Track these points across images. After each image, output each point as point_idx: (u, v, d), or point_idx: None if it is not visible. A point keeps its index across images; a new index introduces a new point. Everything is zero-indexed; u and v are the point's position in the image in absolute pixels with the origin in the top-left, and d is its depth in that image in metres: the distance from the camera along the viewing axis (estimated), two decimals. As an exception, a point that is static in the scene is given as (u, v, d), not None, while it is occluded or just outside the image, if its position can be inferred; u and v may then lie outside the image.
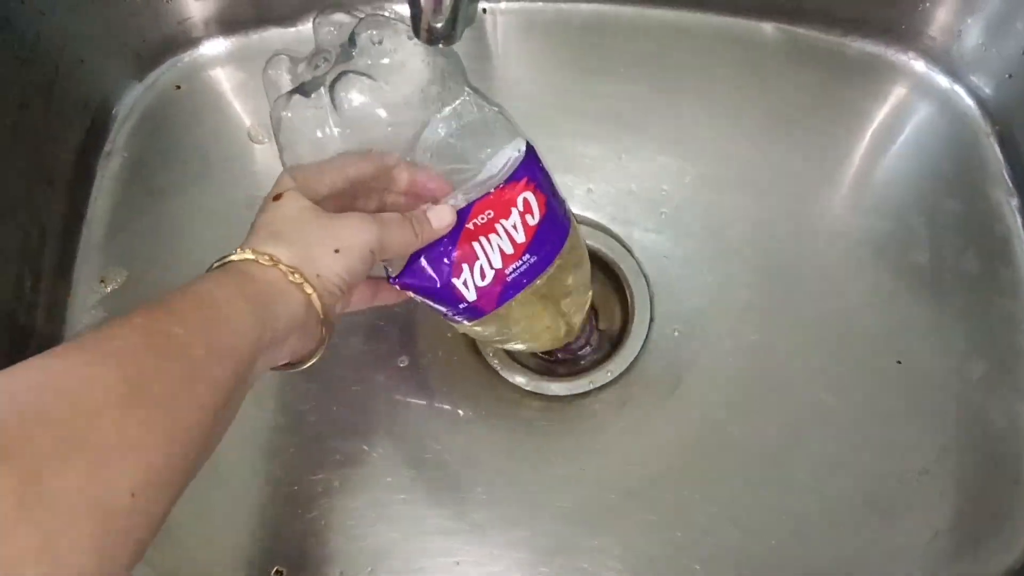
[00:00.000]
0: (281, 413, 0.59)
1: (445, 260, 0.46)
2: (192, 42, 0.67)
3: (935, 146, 0.66)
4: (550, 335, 0.53)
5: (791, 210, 0.64)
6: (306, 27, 0.67)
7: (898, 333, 0.61)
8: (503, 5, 0.68)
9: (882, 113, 0.67)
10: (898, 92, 0.67)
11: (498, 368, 0.61)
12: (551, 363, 0.63)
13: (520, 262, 0.47)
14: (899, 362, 0.60)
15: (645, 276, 0.63)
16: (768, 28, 0.68)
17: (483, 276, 0.47)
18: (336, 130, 0.45)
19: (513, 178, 0.47)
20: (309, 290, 0.41)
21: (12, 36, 0.54)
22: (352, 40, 0.45)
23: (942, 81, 0.67)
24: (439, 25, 0.40)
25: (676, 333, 0.62)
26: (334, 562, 0.56)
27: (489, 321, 0.49)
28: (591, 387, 0.61)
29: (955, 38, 0.65)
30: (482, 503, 0.58)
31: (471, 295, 0.47)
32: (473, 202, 0.46)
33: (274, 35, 0.67)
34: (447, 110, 0.46)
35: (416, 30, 0.41)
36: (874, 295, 0.62)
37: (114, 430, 0.31)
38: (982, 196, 0.64)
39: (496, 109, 0.48)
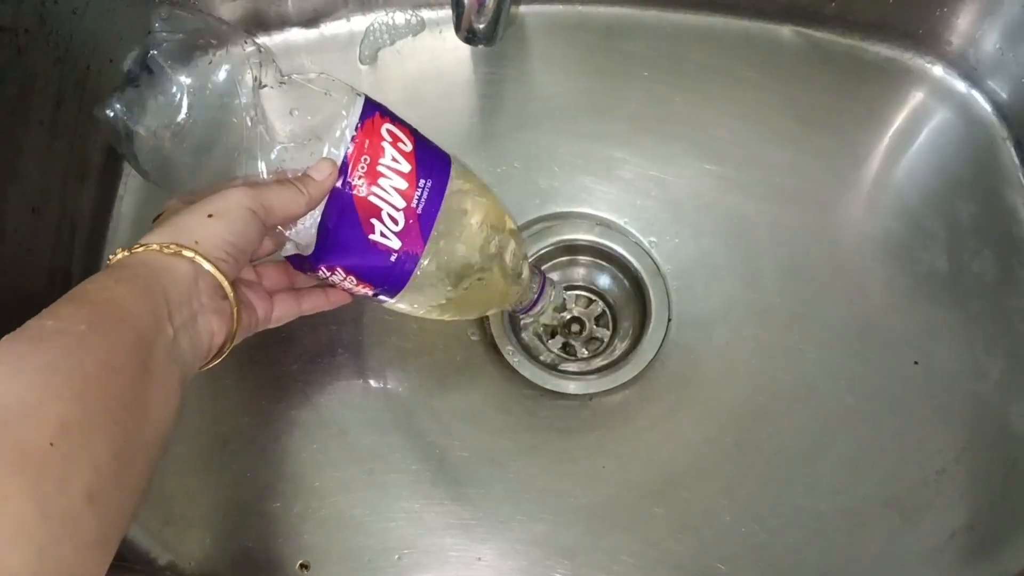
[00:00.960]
0: (304, 409, 0.60)
1: (351, 222, 0.46)
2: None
3: (952, 150, 0.67)
4: (495, 289, 0.53)
5: (811, 212, 0.65)
6: (329, 27, 0.69)
7: (916, 334, 0.61)
8: (524, 8, 0.69)
9: (900, 117, 0.67)
10: (916, 96, 0.68)
11: (517, 367, 0.61)
12: (573, 360, 0.64)
13: (419, 189, 0.47)
14: (916, 363, 0.61)
15: (663, 276, 0.64)
16: (788, 32, 0.68)
17: (395, 221, 0.47)
18: (181, 117, 0.44)
19: (364, 117, 0.47)
20: (189, 254, 0.40)
21: (48, 36, 0.55)
22: (149, 35, 0.44)
23: (959, 86, 0.67)
24: (481, 26, 0.40)
25: (695, 333, 0.62)
26: (358, 556, 0.57)
27: (429, 280, 0.49)
28: (611, 385, 0.61)
29: (972, 43, 0.66)
30: (503, 499, 0.58)
31: (395, 242, 0.47)
32: (345, 156, 0.46)
33: (297, 36, 0.68)
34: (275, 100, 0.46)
35: (458, 30, 0.42)
36: (893, 296, 0.62)
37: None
38: (999, 199, 0.65)
39: (316, 74, 0.48)
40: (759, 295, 0.63)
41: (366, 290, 0.50)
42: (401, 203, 0.47)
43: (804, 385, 0.61)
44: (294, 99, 0.46)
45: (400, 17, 0.68)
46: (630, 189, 0.65)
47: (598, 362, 0.64)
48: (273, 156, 0.45)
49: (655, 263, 0.64)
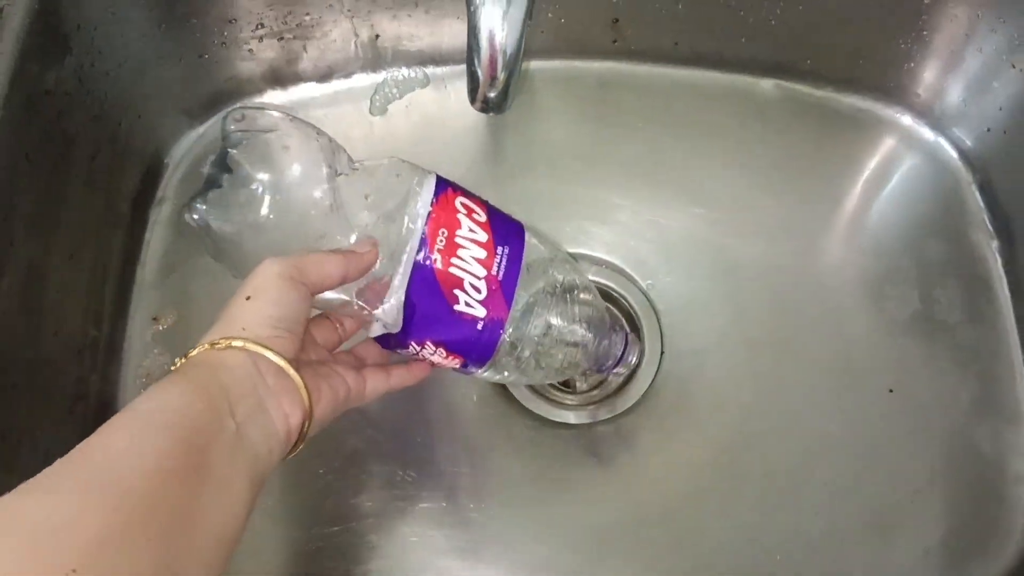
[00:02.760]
0: (321, 441, 0.63)
1: (435, 295, 0.47)
2: (237, 96, 0.72)
3: (922, 193, 0.71)
4: (578, 349, 0.54)
5: (793, 252, 0.69)
6: (342, 83, 0.73)
7: (891, 365, 0.66)
8: (523, 63, 0.74)
9: (873, 163, 0.72)
10: (887, 143, 0.72)
11: (521, 400, 0.65)
12: (573, 393, 0.68)
13: (498, 256, 0.48)
14: (891, 391, 0.65)
15: (656, 312, 0.68)
16: (768, 84, 0.73)
17: (477, 290, 0.47)
18: (264, 212, 0.45)
19: (438, 193, 0.48)
20: (239, 343, 0.40)
21: (85, 97, 0.59)
22: (225, 138, 0.46)
23: (927, 134, 0.72)
24: (493, 95, 0.45)
25: (687, 365, 0.66)
26: (374, 579, 0.60)
27: (517, 347, 0.49)
28: (609, 415, 0.65)
29: (938, 95, 0.71)
30: (509, 523, 0.62)
31: (479, 311, 0.47)
32: (422, 232, 0.46)
33: (313, 90, 0.73)
34: (357, 186, 0.47)
35: (473, 101, 0.46)
36: (869, 330, 0.67)
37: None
38: (965, 239, 0.69)
39: (388, 159, 0.49)
40: (746, 329, 0.67)
41: (455, 362, 0.50)
42: (482, 272, 0.48)
43: (789, 413, 0.65)
44: (367, 184, 0.47)
45: (407, 73, 0.73)
46: (625, 232, 0.69)
47: (596, 394, 0.68)
48: (353, 241, 0.46)
49: (649, 300, 0.68)
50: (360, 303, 0.48)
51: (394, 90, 0.73)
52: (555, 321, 0.52)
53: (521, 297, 0.50)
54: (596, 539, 0.62)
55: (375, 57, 0.72)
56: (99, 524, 0.31)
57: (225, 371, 0.39)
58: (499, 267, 0.48)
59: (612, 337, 0.56)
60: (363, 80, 0.73)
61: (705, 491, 0.63)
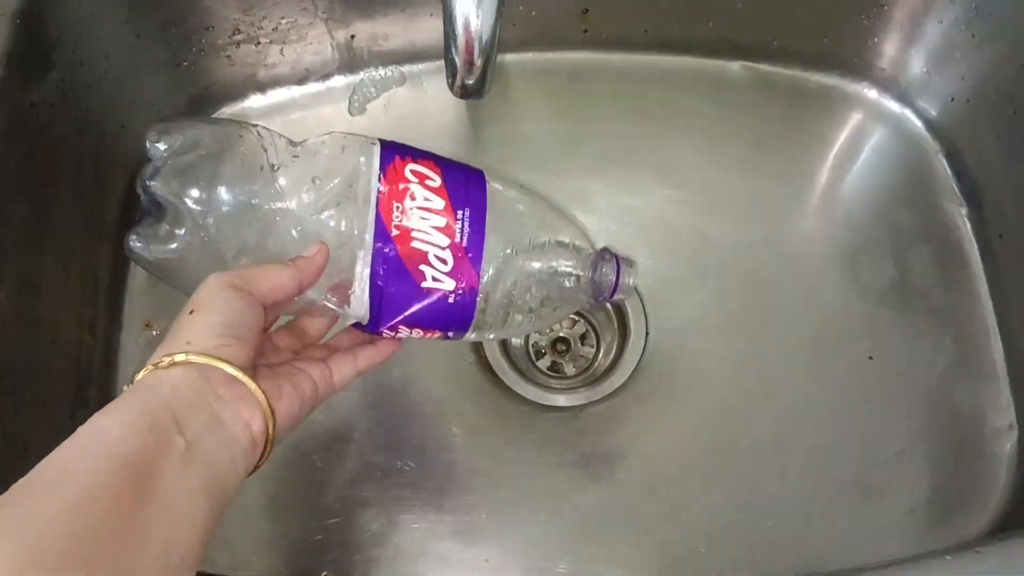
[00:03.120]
0: (320, 434, 0.65)
1: (400, 274, 0.45)
2: (217, 103, 0.73)
3: (891, 165, 0.73)
4: (568, 290, 0.52)
5: (768, 228, 0.71)
6: (320, 84, 0.74)
7: (869, 332, 0.67)
8: (497, 57, 0.75)
9: (842, 138, 0.74)
10: (855, 118, 0.74)
11: (512, 386, 0.66)
12: (563, 377, 0.70)
13: (459, 220, 0.46)
14: (871, 358, 0.67)
15: (639, 294, 0.69)
16: (736, 67, 0.75)
17: (443, 261, 0.45)
18: (201, 231, 0.43)
19: (385, 164, 0.45)
20: (181, 357, 0.38)
21: (69, 109, 0.60)
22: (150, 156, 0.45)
23: (893, 107, 0.74)
24: (471, 82, 0.46)
25: (671, 343, 0.68)
26: (376, 566, 0.61)
27: (496, 306, 0.48)
28: (599, 396, 0.66)
29: (902, 68, 0.72)
30: (506, 505, 0.63)
31: (448, 283, 0.46)
32: (376, 211, 0.45)
33: (292, 92, 0.74)
34: (300, 174, 0.45)
35: (452, 87, 0.48)
36: (846, 300, 0.68)
37: None
38: (935, 207, 0.71)
39: (327, 135, 0.47)
40: (726, 306, 0.69)
41: (436, 335, 0.49)
42: (444, 240, 0.45)
43: (771, 384, 0.66)
44: (311, 166, 0.46)
45: (384, 72, 0.74)
46: (604, 217, 0.71)
47: (585, 377, 0.69)
48: (309, 229, 0.45)
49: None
50: (329, 301, 0.47)
51: (372, 89, 0.74)
52: (535, 269, 0.50)
53: (493, 256, 0.47)
54: (589, 516, 0.63)
55: (351, 58, 0.73)
56: (15, 561, 0.29)
57: (169, 389, 0.38)
58: (462, 232, 0.46)
59: (601, 268, 0.54)
60: (340, 81, 0.74)
61: (694, 464, 0.65)
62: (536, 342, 0.71)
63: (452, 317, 0.47)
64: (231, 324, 0.40)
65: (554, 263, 0.51)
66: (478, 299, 0.48)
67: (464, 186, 0.47)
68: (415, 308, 0.46)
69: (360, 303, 0.46)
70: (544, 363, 0.71)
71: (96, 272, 0.65)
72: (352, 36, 0.71)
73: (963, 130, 0.71)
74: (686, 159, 0.73)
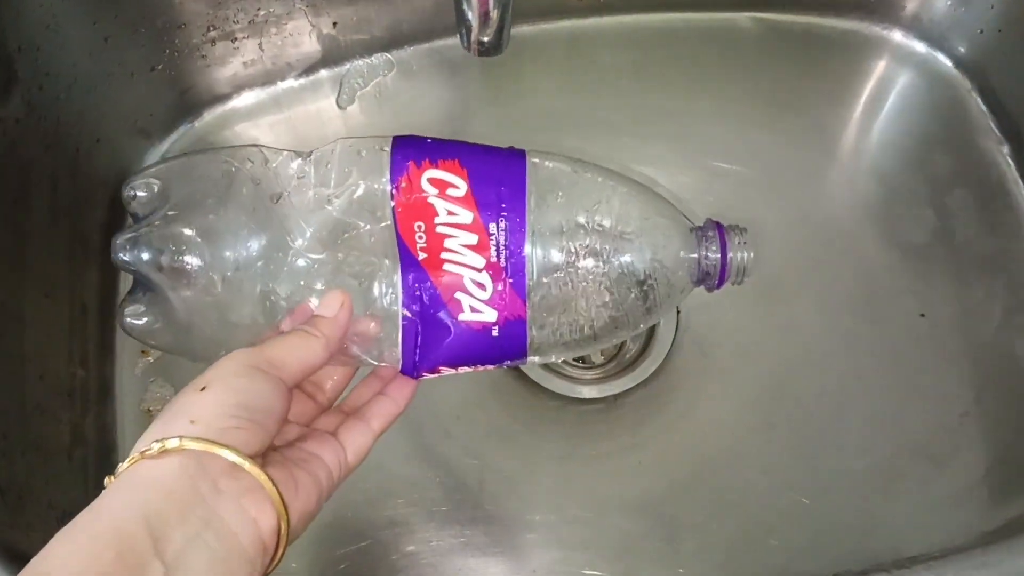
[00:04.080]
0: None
1: (435, 307, 0.38)
2: (197, 108, 0.68)
3: (921, 109, 0.69)
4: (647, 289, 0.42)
5: (795, 190, 0.67)
6: (306, 79, 0.70)
7: (917, 288, 0.64)
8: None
9: (867, 86, 0.70)
10: (879, 64, 0.70)
11: (538, 380, 0.62)
12: (591, 368, 0.65)
13: (492, 236, 0.38)
14: (922, 315, 0.63)
15: (666, 271, 0.65)
16: (745, 19, 0.71)
17: (481, 286, 0.38)
18: (204, 293, 0.38)
19: (396, 173, 0.38)
20: (174, 443, 0.32)
21: (37, 123, 0.56)
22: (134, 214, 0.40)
23: (919, 47, 0.70)
24: (487, 39, 0.41)
25: (705, 321, 0.64)
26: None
27: (546, 322, 0.39)
28: (633, 384, 0.62)
29: (925, 5, 0.68)
30: (546, 509, 0.59)
31: (489, 315, 0.39)
32: (397, 233, 0.38)
33: (277, 89, 0.69)
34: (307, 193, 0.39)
35: (467, 45, 0.43)
36: (888, 256, 0.65)
37: None
38: (973, 148, 0.67)
39: (340, 142, 0.40)
40: (760, 275, 0.63)
41: (489, 367, 0.41)
42: (480, 261, 0.38)
43: (818, 353, 0.63)
44: (321, 188, 0.39)
45: (371, 60, 0.70)
46: (620, 191, 0.67)
47: (615, 364, 0.65)
48: (325, 268, 0.39)
49: (656, 259, 0.65)
50: (354, 348, 0.41)
51: (359, 80, 0.70)
52: (600, 272, 0.40)
53: (541, 270, 0.39)
54: (636, 512, 0.59)
55: (336, 48, 0.68)
56: None
57: (153, 491, 0.32)
58: (499, 249, 0.38)
59: (700, 250, 0.43)
60: (327, 73, 0.69)
61: (741, 447, 0.61)
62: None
63: (501, 353, 0.40)
64: (249, 406, 0.35)
65: (625, 258, 0.41)
66: (527, 328, 0.40)
67: (497, 188, 0.39)
68: (455, 348, 0.39)
69: (391, 347, 0.40)
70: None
71: (83, 299, 0.61)
72: (334, 24, 0.67)
73: (996, 63, 0.67)
74: (701, 123, 0.69)
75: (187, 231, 0.39)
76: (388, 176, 0.38)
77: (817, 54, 0.70)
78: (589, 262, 0.40)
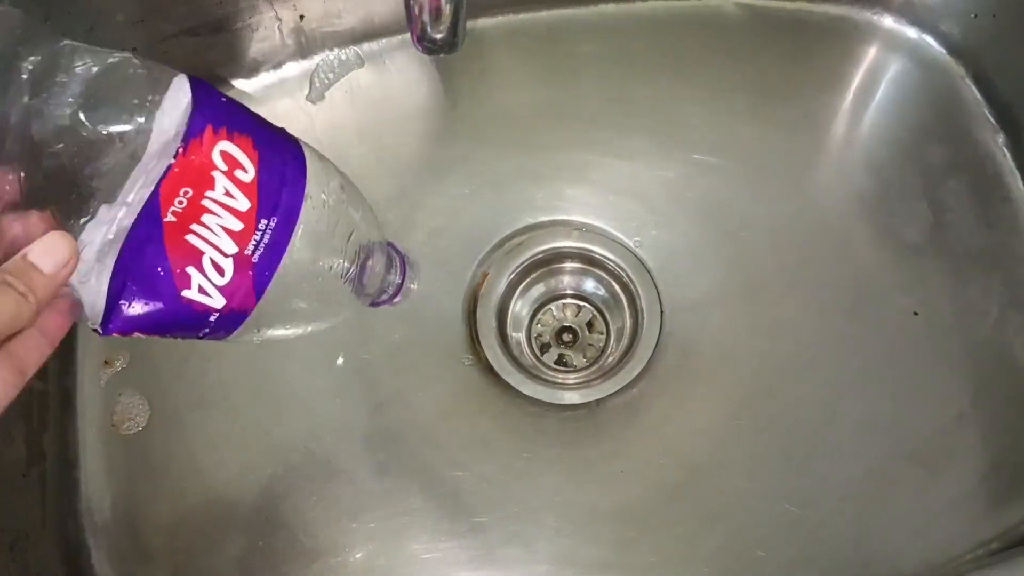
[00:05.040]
0: (308, 465, 0.59)
1: (157, 271, 0.34)
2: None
3: (914, 98, 0.67)
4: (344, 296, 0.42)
5: (783, 183, 0.64)
6: (271, 76, 0.67)
7: (910, 286, 0.61)
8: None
9: (857, 73, 0.67)
10: (869, 51, 0.67)
11: (517, 386, 0.60)
12: (572, 371, 0.63)
13: (259, 231, 0.36)
14: (916, 314, 0.60)
15: (649, 271, 0.63)
16: (729, 5, 0.68)
17: (220, 270, 0.35)
18: None
19: (191, 133, 0.35)
20: None
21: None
22: None
23: (910, 33, 0.67)
24: (440, 36, 0.39)
25: (690, 322, 0.61)
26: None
27: (262, 320, 0.38)
28: (615, 388, 0.60)
29: (916, -12, 0.66)
30: (524, 521, 0.57)
31: (217, 300, 0.35)
32: (157, 185, 0.34)
33: (242, 87, 0.67)
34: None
35: (417, 42, 0.40)
36: (880, 252, 0.62)
37: None
38: (968, 138, 0.65)
39: (121, 55, 0.34)
40: (747, 274, 0.62)
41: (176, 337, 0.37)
42: (232, 248, 0.35)
43: (807, 354, 0.60)
44: (80, 70, 0.33)
45: (340, 55, 0.67)
46: (603, 189, 0.64)
47: (597, 368, 0.63)
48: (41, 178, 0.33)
49: (638, 259, 0.63)
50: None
51: (329, 75, 0.67)
52: (332, 272, 0.40)
53: (288, 274, 0.37)
54: (620, 522, 0.57)
55: (303, 42, 0.66)
56: None
57: None
58: (258, 245, 0.36)
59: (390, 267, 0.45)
60: (294, 69, 0.67)
61: (729, 453, 0.58)
62: (540, 334, 0.65)
63: (207, 332, 0.37)
64: None
65: (361, 264, 0.42)
66: (247, 320, 0.37)
67: (280, 184, 0.37)
68: (161, 317, 0.35)
69: (92, 295, 0.34)
70: (550, 357, 0.65)
71: (40, 308, 0.58)
72: (301, 16, 0.64)
73: (991, 49, 0.65)
74: (686, 115, 0.66)
75: None
76: (183, 125, 0.35)
77: (805, 41, 0.68)
78: (336, 266, 0.39)
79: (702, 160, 0.65)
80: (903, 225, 0.63)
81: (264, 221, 0.36)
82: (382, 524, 0.57)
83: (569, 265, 0.65)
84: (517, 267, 0.63)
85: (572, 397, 0.60)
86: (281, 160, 0.37)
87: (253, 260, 0.36)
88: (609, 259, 0.63)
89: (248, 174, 0.36)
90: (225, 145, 0.35)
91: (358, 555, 0.56)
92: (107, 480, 0.58)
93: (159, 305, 0.34)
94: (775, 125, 0.66)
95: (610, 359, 0.63)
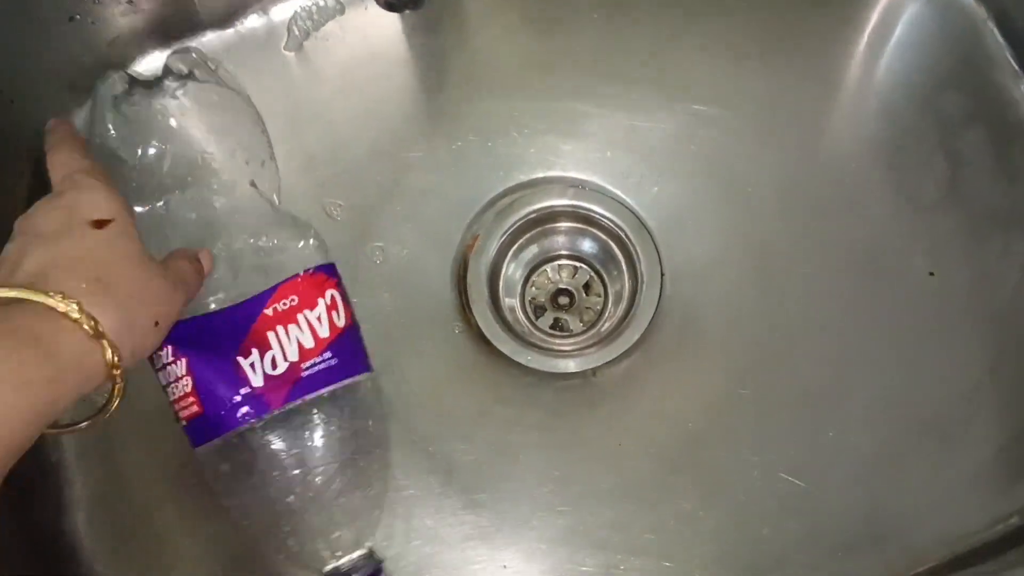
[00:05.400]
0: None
1: (231, 335, 0.44)
2: (125, 61, 0.62)
3: (931, 42, 0.63)
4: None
5: (793, 135, 0.61)
6: (245, 25, 0.63)
7: (926, 244, 0.58)
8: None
9: (872, 17, 0.63)
10: (884, -8, 0.64)
11: (510, 354, 0.57)
12: (568, 336, 0.60)
13: (319, 359, 0.45)
14: (932, 274, 0.57)
15: (648, 230, 0.60)
16: (735, -56, 0.64)
17: (274, 364, 0.44)
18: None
19: (321, 269, 0.46)
20: (117, 373, 0.35)
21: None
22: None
23: (929, -30, 0.63)
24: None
25: (692, 284, 0.59)
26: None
27: (255, 438, 0.45)
28: (613, 356, 0.57)
29: (935, -79, 0.62)
30: (519, 498, 0.55)
31: (257, 379, 0.44)
32: (277, 284, 0.45)
33: (213, 39, 0.63)
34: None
35: None
36: (895, 207, 0.59)
37: None
38: (989, 85, 0.61)
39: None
40: (752, 231, 0.59)
41: (186, 408, 0.45)
42: (294, 356, 0.44)
43: (817, 317, 0.58)
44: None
45: (319, 2, 0.63)
46: (598, 143, 0.61)
47: (595, 333, 0.60)
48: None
49: (637, 217, 0.60)
50: None
51: (307, 23, 0.63)
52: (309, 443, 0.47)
53: (305, 408, 0.46)
54: (618, 497, 0.55)
55: (277, -11, 0.62)
56: None
57: (83, 376, 0.35)
58: (312, 368, 0.45)
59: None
60: (269, 18, 0.63)
61: (737, 425, 0.56)
62: (534, 298, 0.62)
63: (224, 405, 0.44)
64: None
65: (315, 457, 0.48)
66: (256, 419, 0.45)
67: (352, 354, 0.48)
68: (210, 363, 0.44)
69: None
70: (545, 322, 0.62)
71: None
72: (274, -40, 0.60)
73: (1016, -10, 0.61)
74: (689, 63, 0.62)
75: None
76: (316, 260, 0.48)
77: (816, -15, 0.64)
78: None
79: (705, 112, 0.61)
80: (919, 179, 0.60)
81: (328, 354, 0.45)
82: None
83: (564, 225, 0.62)
84: (509, 228, 0.60)
85: (568, 365, 0.57)
86: (361, 344, 0.49)
87: (302, 376, 0.45)
88: (606, 217, 0.60)
89: (340, 321, 0.46)
90: (335, 293, 0.47)
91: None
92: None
93: (214, 352, 0.44)
94: (783, 72, 0.62)
95: (608, 324, 0.60)
